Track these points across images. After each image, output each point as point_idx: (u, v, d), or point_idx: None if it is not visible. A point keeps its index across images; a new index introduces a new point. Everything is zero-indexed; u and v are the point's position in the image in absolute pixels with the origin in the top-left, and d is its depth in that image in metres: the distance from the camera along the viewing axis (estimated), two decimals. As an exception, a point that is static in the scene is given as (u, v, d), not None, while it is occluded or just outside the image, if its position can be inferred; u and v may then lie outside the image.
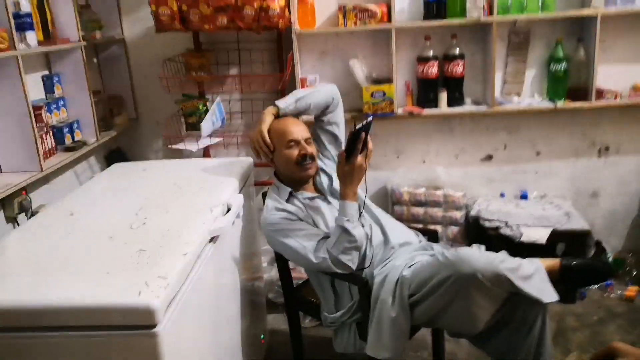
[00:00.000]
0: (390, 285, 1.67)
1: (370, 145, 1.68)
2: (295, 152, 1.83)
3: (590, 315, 2.55)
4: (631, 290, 2.69)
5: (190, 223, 1.53)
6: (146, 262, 1.31)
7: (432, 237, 2.08)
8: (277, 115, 1.90)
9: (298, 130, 1.84)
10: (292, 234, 1.75)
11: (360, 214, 1.72)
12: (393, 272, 1.71)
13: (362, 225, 1.72)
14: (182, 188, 1.83)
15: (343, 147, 1.99)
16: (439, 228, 2.79)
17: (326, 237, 1.73)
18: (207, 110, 2.59)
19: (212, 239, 1.55)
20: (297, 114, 1.94)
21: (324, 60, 2.82)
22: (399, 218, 2.75)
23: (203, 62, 2.63)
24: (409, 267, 1.69)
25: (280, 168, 1.90)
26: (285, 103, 1.91)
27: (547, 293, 1.55)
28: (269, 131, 1.86)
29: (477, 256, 1.53)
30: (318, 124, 2.01)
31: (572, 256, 1.74)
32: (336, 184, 1.90)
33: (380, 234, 1.87)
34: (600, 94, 2.71)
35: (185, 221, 1.54)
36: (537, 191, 2.99)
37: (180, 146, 2.36)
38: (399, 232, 1.91)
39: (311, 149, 1.85)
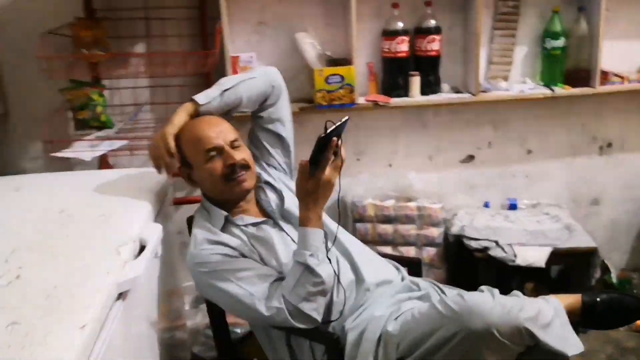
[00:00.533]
0: (370, 344, 1.54)
1: (343, 153, 1.52)
2: (218, 164, 1.65)
3: (597, 354, 2.50)
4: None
5: (89, 274, 1.27)
6: (22, 343, 1.04)
7: (414, 267, 1.99)
8: (197, 115, 1.71)
9: (218, 132, 1.66)
10: (233, 276, 1.57)
11: (327, 247, 1.57)
12: (373, 325, 1.58)
13: (329, 261, 1.57)
14: (74, 217, 1.56)
15: (293, 154, 1.89)
16: (412, 250, 2.71)
17: (280, 278, 1.58)
18: (104, 102, 2.34)
19: (121, 295, 1.31)
20: (225, 112, 1.76)
21: (263, 33, 2.62)
22: (363, 239, 2.61)
23: (98, 35, 2.35)
24: (395, 319, 1.56)
25: (206, 189, 1.74)
26: (207, 97, 1.73)
27: (571, 343, 1.47)
28: (180, 140, 1.67)
29: (491, 305, 1.43)
30: (256, 122, 1.86)
31: (591, 290, 1.70)
32: (290, 204, 1.75)
33: (351, 272, 1.72)
34: (604, 77, 2.67)
35: (80, 271, 1.28)
36: (529, 199, 2.95)
37: (68, 154, 2.08)
38: (374, 266, 1.78)
39: (241, 154, 1.68)
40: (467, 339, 1.39)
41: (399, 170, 2.83)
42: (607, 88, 2.67)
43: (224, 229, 1.67)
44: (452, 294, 1.64)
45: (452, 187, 2.89)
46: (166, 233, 1.82)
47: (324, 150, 1.47)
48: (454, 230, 2.70)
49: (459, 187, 2.90)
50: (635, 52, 2.79)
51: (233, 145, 1.67)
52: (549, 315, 1.46)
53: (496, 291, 1.51)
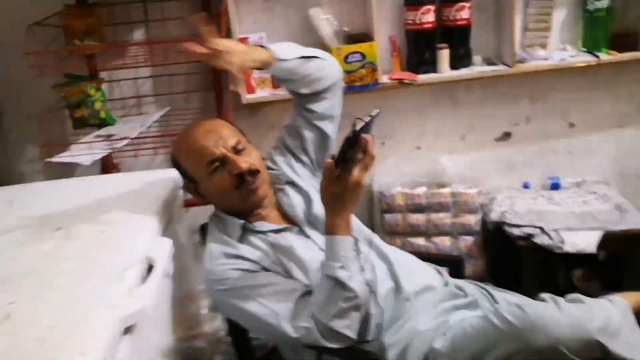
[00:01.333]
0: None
1: (371, 149, 1.36)
2: (225, 175, 1.52)
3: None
4: None
5: (89, 308, 1.14)
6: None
7: (456, 267, 1.85)
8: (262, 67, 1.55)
9: (216, 139, 1.53)
10: (255, 293, 1.45)
11: (358, 254, 1.45)
12: (417, 341, 1.46)
13: (363, 271, 1.44)
14: (72, 236, 1.43)
15: (328, 153, 1.73)
16: (447, 240, 2.62)
17: (307, 292, 1.45)
18: (103, 97, 2.22)
19: (128, 329, 1.18)
20: (283, 80, 1.62)
21: (272, 11, 2.47)
22: (393, 231, 2.60)
23: (91, 23, 2.21)
24: (443, 334, 1.44)
25: (217, 202, 1.62)
26: (286, 54, 1.55)
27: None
28: (179, 156, 1.59)
29: (556, 318, 1.32)
30: (304, 114, 1.69)
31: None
32: (319, 208, 1.59)
33: (389, 279, 1.58)
34: None
35: (79, 305, 1.15)
36: (573, 177, 2.83)
37: (65, 159, 1.95)
38: (413, 271, 1.64)
39: (247, 159, 1.54)
40: (531, 356, 1.29)
41: (429, 153, 2.73)
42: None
43: (241, 240, 1.55)
44: (507, 301, 1.51)
45: (488, 168, 2.78)
46: (179, 235, 1.75)
47: (352, 149, 1.33)
48: (493, 216, 2.59)
49: (495, 169, 2.79)
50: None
51: (236, 149, 1.54)
52: (617, 321, 1.35)
53: (561, 300, 1.39)
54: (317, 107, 1.66)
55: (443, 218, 2.62)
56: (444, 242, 2.59)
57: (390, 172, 2.66)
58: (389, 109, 2.61)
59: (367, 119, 1.30)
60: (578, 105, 2.75)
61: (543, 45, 2.59)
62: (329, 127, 1.69)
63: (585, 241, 2.40)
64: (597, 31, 2.55)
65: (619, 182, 2.82)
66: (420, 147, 2.74)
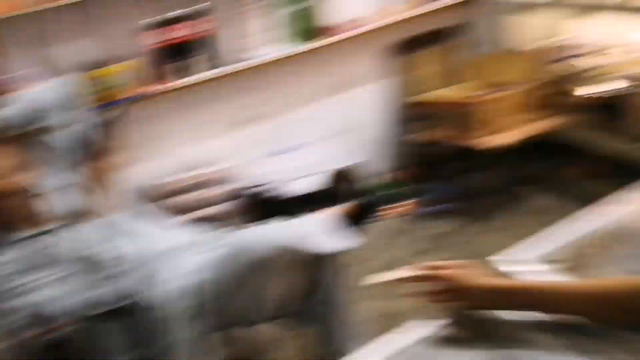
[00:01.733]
0: (175, 303, 1.45)
1: (111, 142, 1.42)
2: None
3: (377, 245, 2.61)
4: (404, 206, 2.89)
5: None
6: None
7: (206, 225, 1.86)
8: None
9: None
10: (20, 291, 1.41)
11: (109, 231, 1.48)
12: (171, 286, 1.47)
13: (113, 244, 1.47)
14: None
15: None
16: (213, 209, 2.62)
17: (68, 275, 1.43)
18: None
19: None
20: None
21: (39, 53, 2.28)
22: (167, 213, 2.47)
23: None
24: (189, 274, 1.48)
25: None
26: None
27: (345, 240, 1.46)
28: None
29: (251, 236, 1.45)
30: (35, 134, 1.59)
31: (360, 196, 1.86)
32: (72, 202, 1.55)
33: (140, 246, 1.57)
34: (334, 30, 2.78)
35: None
36: (300, 140, 2.92)
37: None
38: (163, 235, 1.65)
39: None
40: (243, 271, 1.38)
41: (190, 144, 2.69)
42: (344, 36, 2.80)
43: (4, 250, 1.47)
44: (232, 237, 1.57)
45: (239, 147, 2.80)
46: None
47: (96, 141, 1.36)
48: (244, 183, 2.68)
49: (244, 146, 2.81)
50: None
51: None
52: (311, 227, 1.45)
53: (264, 224, 1.50)
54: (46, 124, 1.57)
55: (207, 193, 2.61)
56: (211, 211, 2.58)
57: (160, 165, 2.60)
58: (152, 116, 2.54)
59: (106, 114, 1.33)
60: (296, 86, 2.87)
61: (266, 44, 2.68)
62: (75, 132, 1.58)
63: (304, 186, 2.63)
64: (299, 27, 2.70)
65: (336, 137, 2.94)
66: (183, 141, 2.68)
